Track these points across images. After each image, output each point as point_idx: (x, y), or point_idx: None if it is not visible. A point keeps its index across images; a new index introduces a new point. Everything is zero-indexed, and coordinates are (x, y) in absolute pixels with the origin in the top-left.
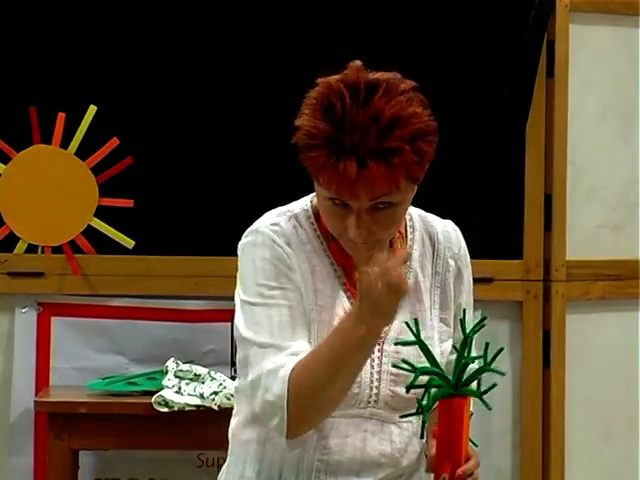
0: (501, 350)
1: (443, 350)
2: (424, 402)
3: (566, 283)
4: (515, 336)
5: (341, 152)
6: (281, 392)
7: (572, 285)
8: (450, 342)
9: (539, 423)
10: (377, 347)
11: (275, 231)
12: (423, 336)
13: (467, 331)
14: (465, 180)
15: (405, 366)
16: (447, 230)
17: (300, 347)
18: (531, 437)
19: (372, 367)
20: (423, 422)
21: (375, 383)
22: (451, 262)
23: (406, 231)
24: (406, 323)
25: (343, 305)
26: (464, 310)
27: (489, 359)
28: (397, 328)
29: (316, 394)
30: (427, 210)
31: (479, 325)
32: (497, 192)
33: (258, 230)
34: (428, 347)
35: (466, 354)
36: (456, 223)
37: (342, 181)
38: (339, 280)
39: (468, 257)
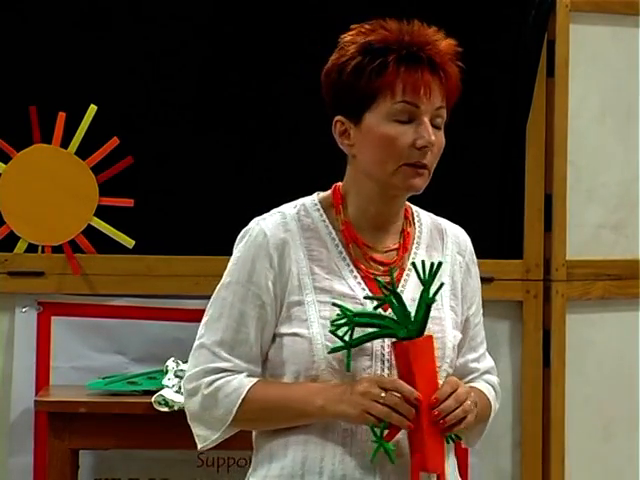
0: (440, 264)
1: (453, 336)
2: (346, 338)
3: (566, 283)
4: (515, 336)
5: (412, 57)
6: (228, 413)
7: (572, 285)
8: (457, 333)
9: (539, 422)
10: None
11: (269, 229)
12: (432, 315)
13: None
14: (465, 180)
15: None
16: (455, 229)
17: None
18: (531, 436)
19: (382, 361)
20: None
21: (386, 372)
22: (458, 257)
23: (413, 221)
24: (413, 264)
25: (349, 284)
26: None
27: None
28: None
29: (255, 426)
30: (428, 209)
31: (437, 268)
32: (497, 192)
33: (257, 223)
34: (400, 298)
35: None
36: (456, 223)
37: (418, 83)
38: (344, 261)
39: (475, 259)
